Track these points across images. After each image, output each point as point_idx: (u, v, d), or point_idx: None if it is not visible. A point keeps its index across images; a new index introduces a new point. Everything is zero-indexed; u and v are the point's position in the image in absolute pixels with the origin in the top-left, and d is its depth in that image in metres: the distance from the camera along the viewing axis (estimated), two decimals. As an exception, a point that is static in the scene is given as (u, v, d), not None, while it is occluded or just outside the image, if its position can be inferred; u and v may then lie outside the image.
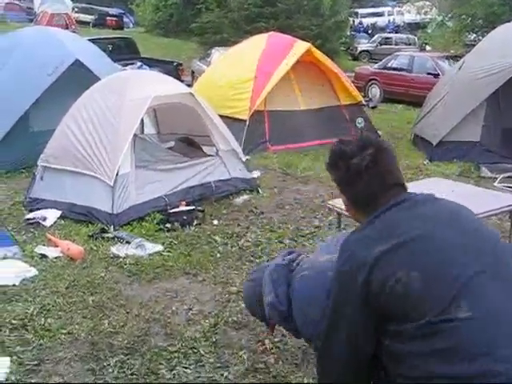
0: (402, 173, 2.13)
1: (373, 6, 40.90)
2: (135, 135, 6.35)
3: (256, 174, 7.61)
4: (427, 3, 28.80)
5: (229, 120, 8.22)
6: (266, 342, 3.79)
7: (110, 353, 3.67)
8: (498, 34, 9.71)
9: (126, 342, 3.80)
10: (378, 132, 10.36)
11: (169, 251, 5.30)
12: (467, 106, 8.61)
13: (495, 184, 7.54)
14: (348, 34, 29.09)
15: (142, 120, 7.30)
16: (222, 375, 3.47)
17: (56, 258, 5.10)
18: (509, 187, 7.32)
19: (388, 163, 2.03)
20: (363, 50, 28.91)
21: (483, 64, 8.64)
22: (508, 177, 7.77)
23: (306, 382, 3.39)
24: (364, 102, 11.38)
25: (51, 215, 5.99)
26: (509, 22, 10.36)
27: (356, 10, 34.15)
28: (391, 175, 2.02)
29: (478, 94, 8.53)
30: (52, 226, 5.86)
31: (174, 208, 6.05)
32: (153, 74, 8.47)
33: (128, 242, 5.35)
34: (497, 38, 9.62)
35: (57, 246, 5.29)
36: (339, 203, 4.19)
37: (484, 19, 19.89)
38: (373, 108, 14.43)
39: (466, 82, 8.86)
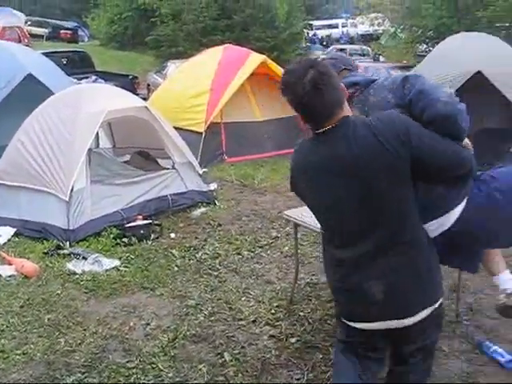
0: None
1: (327, 18, 41.47)
2: (90, 149, 6.29)
3: (213, 186, 7.60)
4: (380, 15, 29.38)
5: (185, 132, 8.21)
6: (225, 354, 3.79)
7: (66, 372, 3.62)
8: (449, 45, 9.96)
9: (83, 359, 3.75)
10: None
11: (126, 266, 5.25)
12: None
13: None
14: (303, 45, 29.37)
15: (97, 134, 7.23)
16: (182, 390, 3.45)
17: (10, 276, 5.01)
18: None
19: None
20: (318, 62, 29.11)
21: (437, 73, 8.82)
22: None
23: (265, 393, 3.40)
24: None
25: (5, 233, 5.88)
26: (458, 32, 10.64)
27: (310, 22, 34.51)
28: None
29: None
30: (6, 243, 5.75)
31: (130, 222, 6.01)
32: (107, 87, 8.40)
33: (84, 258, 5.29)
34: (447, 48, 9.87)
35: (11, 264, 5.19)
36: (295, 214, 4.22)
37: (434, 30, 20.44)
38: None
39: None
